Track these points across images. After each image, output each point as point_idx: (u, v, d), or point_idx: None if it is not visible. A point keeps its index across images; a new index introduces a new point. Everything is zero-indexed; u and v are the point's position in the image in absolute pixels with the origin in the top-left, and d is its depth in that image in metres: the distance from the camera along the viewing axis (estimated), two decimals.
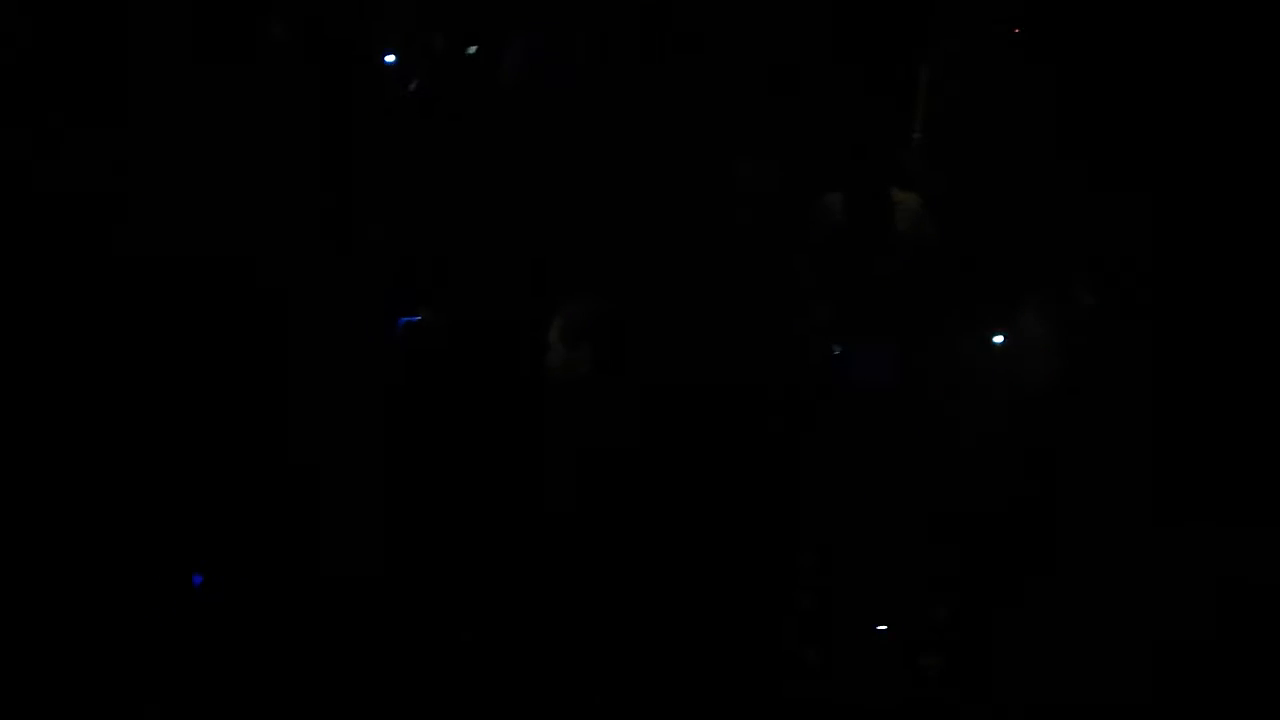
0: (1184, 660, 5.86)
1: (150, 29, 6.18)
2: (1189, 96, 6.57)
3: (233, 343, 6.20)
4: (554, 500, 6.16)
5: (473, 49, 6.53)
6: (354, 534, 6.02)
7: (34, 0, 6.22)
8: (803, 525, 6.29)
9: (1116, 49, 6.64)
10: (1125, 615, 6.03)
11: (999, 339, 6.39)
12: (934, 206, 6.62)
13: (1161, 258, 6.43)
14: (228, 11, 6.26)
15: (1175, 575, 6.04)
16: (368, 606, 5.92)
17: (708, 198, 6.59)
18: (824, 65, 6.92)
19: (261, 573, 5.97)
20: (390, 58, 6.53)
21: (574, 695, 5.83)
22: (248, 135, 6.24)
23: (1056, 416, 6.28)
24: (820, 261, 6.49)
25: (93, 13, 6.19)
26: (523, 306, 6.40)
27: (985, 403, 6.38)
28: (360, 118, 6.45)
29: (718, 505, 6.23)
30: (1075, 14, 6.77)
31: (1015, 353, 6.43)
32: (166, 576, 5.91)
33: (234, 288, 6.18)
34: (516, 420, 6.26)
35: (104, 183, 6.12)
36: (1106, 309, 6.39)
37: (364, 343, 6.34)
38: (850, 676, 6.06)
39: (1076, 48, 6.72)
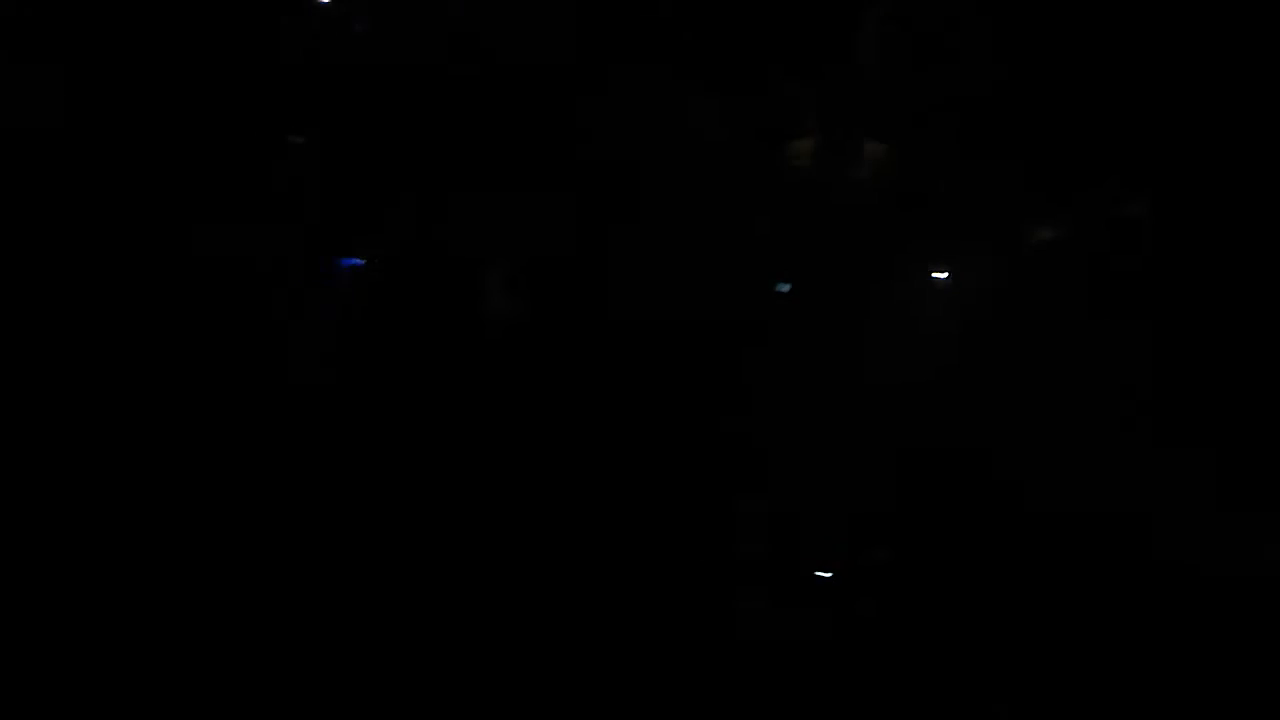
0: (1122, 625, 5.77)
1: None
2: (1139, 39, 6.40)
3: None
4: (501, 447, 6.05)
5: None
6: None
7: None
8: (746, 468, 6.16)
9: None
10: (1065, 565, 5.90)
11: (943, 275, 6.26)
12: (900, 154, 6.57)
13: (1119, 203, 6.28)
14: None
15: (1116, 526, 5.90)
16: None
17: (659, 137, 6.48)
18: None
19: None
20: None
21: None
22: (174, 81, 6.22)
23: (1001, 359, 6.13)
24: (784, 206, 6.41)
25: None
26: (466, 251, 6.31)
27: (932, 342, 6.24)
28: (296, 59, 6.40)
29: (661, 452, 6.11)
30: None
31: (963, 294, 6.31)
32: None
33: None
34: (464, 371, 6.17)
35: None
36: (1058, 252, 6.25)
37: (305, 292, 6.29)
38: (790, 622, 5.94)
39: None
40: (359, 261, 6.39)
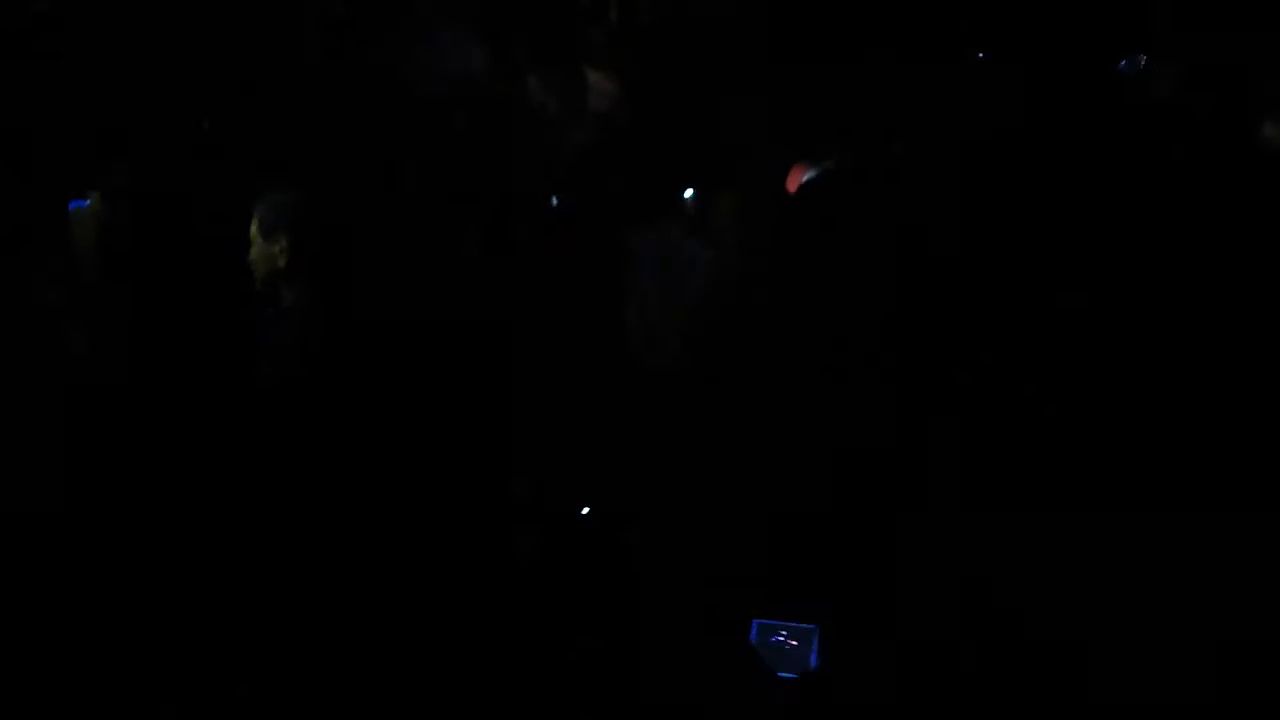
0: None
1: None
2: None
3: None
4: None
5: None
6: None
7: None
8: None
9: None
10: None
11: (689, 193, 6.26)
12: (628, 87, 6.58)
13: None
14: None
15: None
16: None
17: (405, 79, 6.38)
18: None
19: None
20: None
21: None
22: None
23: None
24: (517, 143, 6.37)
25: None
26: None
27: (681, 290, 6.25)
28: None
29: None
30: None
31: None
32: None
33: None
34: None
35: None
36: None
37: None
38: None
39: None
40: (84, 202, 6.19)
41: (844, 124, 5.93)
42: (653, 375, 6.11)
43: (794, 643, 5.23)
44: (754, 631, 5.32)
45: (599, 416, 6.03)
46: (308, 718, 5.38)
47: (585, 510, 5.93)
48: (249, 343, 5.77)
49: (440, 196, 6.26)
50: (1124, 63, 5.91)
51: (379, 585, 5.60)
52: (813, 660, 5.26)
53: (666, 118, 6.45)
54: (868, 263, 5.78)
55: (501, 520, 5.88)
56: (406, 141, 6.30)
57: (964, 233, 5.81)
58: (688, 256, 6.22)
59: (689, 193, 6.31)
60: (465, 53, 6.59)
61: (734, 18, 6.52)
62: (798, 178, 5.91)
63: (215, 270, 5.94)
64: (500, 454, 5.93)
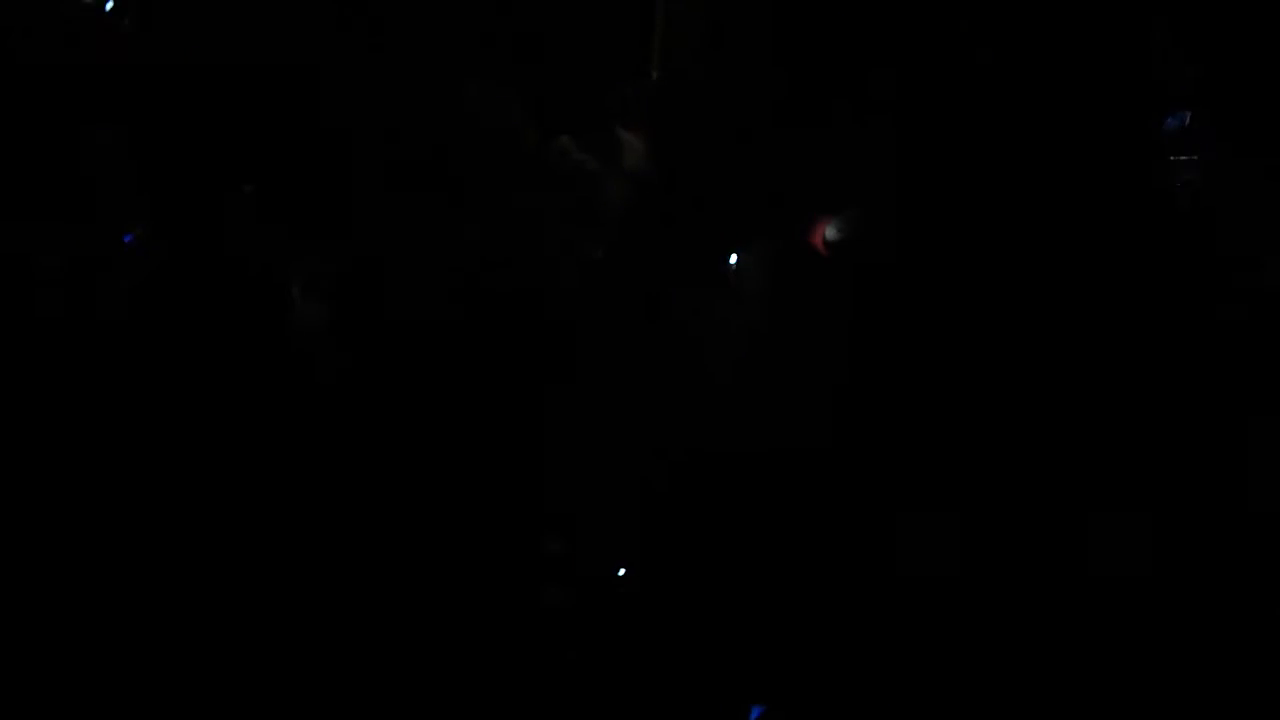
0: None
1: None
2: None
3: None
4: None
5: None
6: None
7: None
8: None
9: None
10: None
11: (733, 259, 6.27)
12: (662, 145, 6.58)
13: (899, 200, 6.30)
14: None
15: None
16: None
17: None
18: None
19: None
20: None
21: None
22: None
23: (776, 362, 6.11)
24: (556, 200, 6.39)
25: None
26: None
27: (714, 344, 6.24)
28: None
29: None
30: None
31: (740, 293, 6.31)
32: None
33: None
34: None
35: None
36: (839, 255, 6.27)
37: None
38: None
39: None
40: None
41: (867, 179, 5.99)
42: (683, 434, 6.11)
43: None
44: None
45: (624, 479, 6.07)
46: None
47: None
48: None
49: (476, 255, 6.27)
50: (1170, 120, 5.93)
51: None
52: None
53: (699, 177, 6.48)
54: (898, 319, 5.84)
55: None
56: (443, 202, 6.31)
57: (994, 291, 5.86)
58: (721, 317, 6.24)
59: (732, 258, 6.35)
60: (500, 111, 6.59)
61: (765, 78, 6.54)
62: (822, 233, 5.95)
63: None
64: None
